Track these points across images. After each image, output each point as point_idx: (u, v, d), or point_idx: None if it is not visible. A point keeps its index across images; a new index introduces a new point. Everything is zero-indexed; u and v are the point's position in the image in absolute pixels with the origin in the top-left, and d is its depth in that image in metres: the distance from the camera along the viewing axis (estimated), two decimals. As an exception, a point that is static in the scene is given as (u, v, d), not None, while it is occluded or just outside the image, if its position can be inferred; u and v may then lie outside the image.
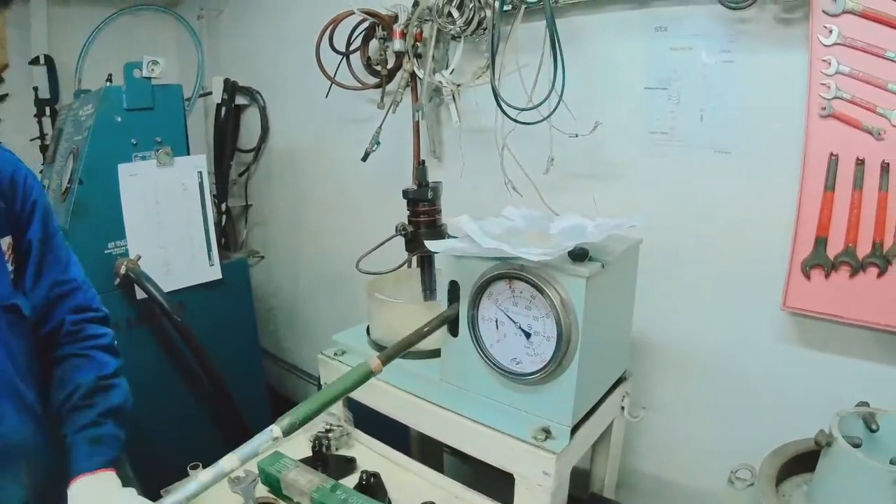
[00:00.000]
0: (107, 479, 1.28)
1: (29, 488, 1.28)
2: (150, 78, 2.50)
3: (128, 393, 1.43)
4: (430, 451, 2.11)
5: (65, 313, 1.39)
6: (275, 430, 1.10)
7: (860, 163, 1.57)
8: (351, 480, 1.56)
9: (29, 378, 1.27)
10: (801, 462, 1.46)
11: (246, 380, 2.94)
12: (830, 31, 1.55)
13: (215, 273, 2.79)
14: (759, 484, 1.40)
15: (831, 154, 1.60)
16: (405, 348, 1.38)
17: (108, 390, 1.38)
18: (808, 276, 1.67)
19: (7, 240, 1.23)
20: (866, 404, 1.36)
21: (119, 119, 2.49)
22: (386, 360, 1.28)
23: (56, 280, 1.38)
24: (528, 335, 1.40)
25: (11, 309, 1.21)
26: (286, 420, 1.12)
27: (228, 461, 1.08)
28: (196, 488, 1.08)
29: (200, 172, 2.68)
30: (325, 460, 1.65)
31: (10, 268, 1.23)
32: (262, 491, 1.55)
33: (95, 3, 3.58)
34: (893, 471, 1.17)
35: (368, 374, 1.24)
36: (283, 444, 1.69)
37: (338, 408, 1.84)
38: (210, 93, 3.53)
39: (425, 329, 1.43)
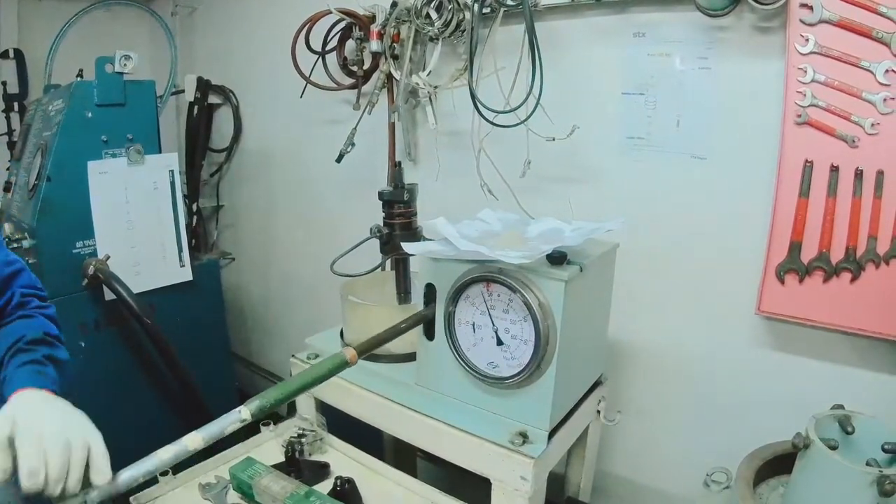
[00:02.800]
0: (52, 398, 1.18)
1: None
2: (122, 73, 2.45)
3: (70, 362, 1.40)
4: (404, 456, 2.10)
5: (15, 288, 1.42)
6: (243, 411, 1.07)
7: (834, 170, 1.59)
8: (325, 486, 1.54)
9: None
10: (778, 465, 1.47)
11: (216, 383, 2.90)
12: (807, 40, 1.56)
13: (186, 274, 2.74)
14: (737, 486, 1.41)
15: (806, 161, 1.62)
16: (381, 343, 1.37)
17: (53, 345, 1.36)
18: (782, 281, 1.69)
19: None
20: (842, 407, 1.37)
21: (89, 115, 2.43)
22: (361, 353, 1.26)
23: (4, 260, 1.42)
24: (500, 342, 1.40)
25: None
26: (255, 402, 1.08)
27: (192, 439, 1.04)
28: (155, 464, 1.03)
29: (172, 171, 2.64)
30: (299, 466, 1.62)
31: None
32: (234, 498, 1.52)
33: (67, -3, 3.53)
34: (869, 472, 1.18)
35: (343, 364, 1.22)
36: (253, 450, 1.69)
37: (311, 412, 1.82)
38: (182, 91, 3.49)
39: (402, 325, 1.42)
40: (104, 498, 0.89)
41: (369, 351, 1.30)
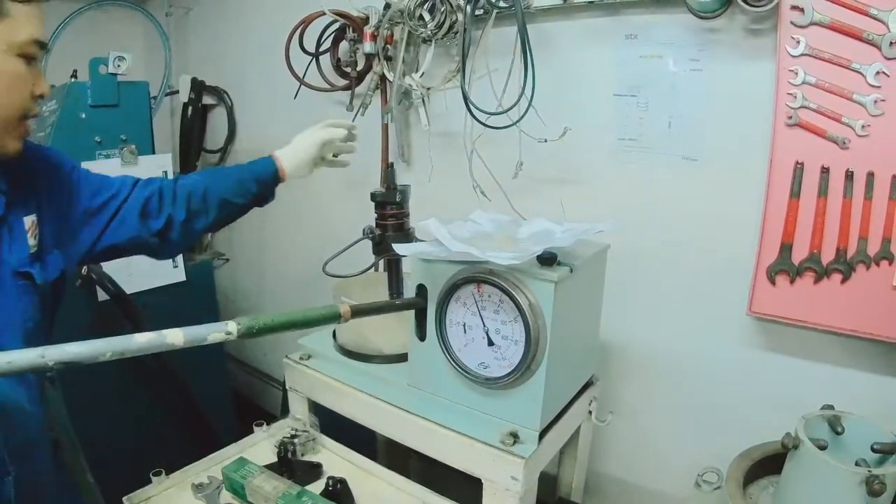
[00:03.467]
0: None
1: (8, 452, 1.25)
2: (116, 74, 2.45)
3: None
4: (396, 457, 2.10)
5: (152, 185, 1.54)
6: (231, 325, 1.04)
7: (825, 171, 1.59)
8: (317, 486, 1.55)
9: (20, 341, 1.24)
10: (768, 465, 1.48)
11: (210, 384, 2.90)
12: (798, 42, 1.57)
13: (179, 275, 2.74)
14: (727, 486, 1.41)
15: (797, 162, 1.62)
16: (375, 311, 1.37)
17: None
18: (773, 282, 1.70)
19: (31, 218, 1.27)
20: (831, 407, 1.38)
21: (83, 116, 2.43)
22: (355, 313, 1.25)
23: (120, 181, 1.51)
24: (491, 343, 1.40)
25: (24, 276, 1.24)
26: (245, 321, 1.06)
27: (173, 333, 0.98)
28: (129, 345, 0.93)
29: (165, 172, 2.63)
30: (291, 466, 1.63)
31: (31, 242, 1.26)
32: (226, 498, 1.53)
33: (61, -3, 3.52)
34: (858, 472, 1.19)
35: (336, 316, 1.21)
36: (246, 450, 1.69)
37: (304, 413, 1.82)
38: (177, 91, 3.48)
39: (397, 303, 1.45)
40: (62, 360, 0.85)
41: (362, 314, 1.29)
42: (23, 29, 1.10)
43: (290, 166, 1.65)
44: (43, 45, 1.16)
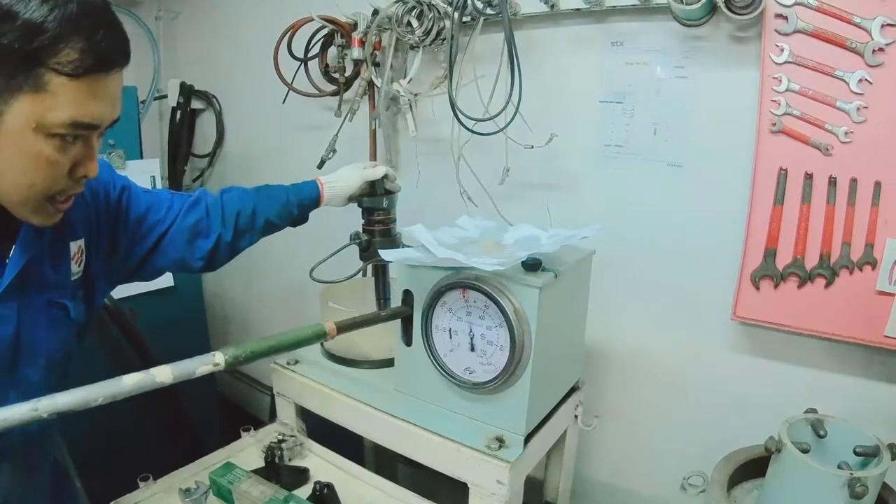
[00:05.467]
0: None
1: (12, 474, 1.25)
2: (103, 80, 2.44)
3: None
4: (384, 461, 2.10)
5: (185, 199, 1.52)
6: (217, 356, 1.03)
7: (808, 177, 1.61)
8: (304, 491, 1.54)
9: (46, 370, 1.22)
10: (752, 468, 1.50)
11: (198, 389, 2.88)
12: (782, 50, 1.58)
13: (167, 280, 2.74)
14: (711, 490, 1.42)
15: (781, 168, 1.64)
16: (361, 324, 1.37)
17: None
18: (757, 287, 1.71)
19: (78, 243, 1.22)
20: (814, 411, 1.40)
21: (71, 121, 2.42)
22: (340, 329, 1.26)
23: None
24: (473, 348, 1.41)
25: (59, 307, 1.19)
26: (231, 351, 1.05)
27: (161, 371, 0.96)
28: (119, 388, 0.92)
29: (154, 177, 2.63)
30: (278, 471, 1.63)
31: (74, 269, 1.21)
32: (214, 503, 1.52)
33: (51, 1, 3.48)
34: (840, 475, 1.20)
35: (322, 335, 1.22)
36: (233, 455, 1.69)
37: (291, 418, 1.82)
38: (165, 96, 3.47)
39: (382, 314, 1.44)
40: (55, 410, 0.84)
41: (348, 329, 1.29)
42: (64, 109, 0.94)
43: (329, 194, 1.69)
44: (93, 127, 1.01)
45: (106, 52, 0.95)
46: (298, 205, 1.66)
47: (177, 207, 1.47)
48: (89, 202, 1.26)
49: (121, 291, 2.46)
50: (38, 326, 1.17)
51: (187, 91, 3.38)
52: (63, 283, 1.20)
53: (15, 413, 0.82)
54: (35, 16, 0.87)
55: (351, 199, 1.73)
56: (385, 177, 1.72)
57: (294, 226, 1.73)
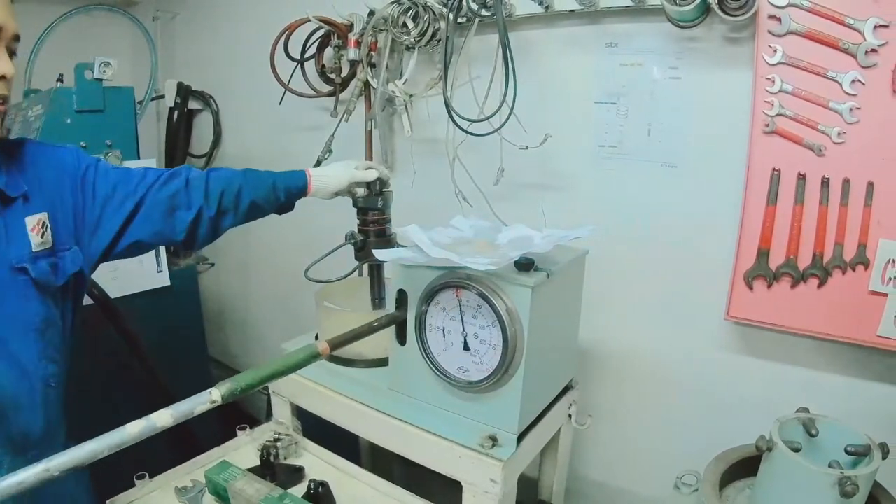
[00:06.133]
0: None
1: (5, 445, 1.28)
2: (101, 80, 2.45)
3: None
4: (379, 460, 2.11)
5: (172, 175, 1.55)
6: (214, 392, 1.05)
7: (801, 178, 1.62)
8: (299, 490, 1.55)
9: (28, 339, 1.28)
10: (744, 467, 1.50)
11: (194, 388, 2.83)
12: (775, 51, 1.59)
13: (163, 280, 2.74)
14: (703, 489, 1.42)
15: (774, 169, 1.65)
16: (353, 339, 1.37)
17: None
18: (750, 287, 1.72)
19: (37, 217, 1.29)
20: (806, 410, 1.40)
21: (69, 121, 2.43)
22: (333, 347, 1.26)
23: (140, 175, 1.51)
24: (467, 347, 1.41)
25: (21, 271, 1.26)
26: (227, 385, 1.07)
27: (160, 416, 1.00)
28: (122, 438, 0.97)
29: (151, 176, 2.63)
30: (274, 470, 1.63)
31: (37, 240, 1.29)
32: (209, 501, 1.53)
33: (48, 1, 3.50)
34: (831, 474, 1.21)
35: (315, 356, 1.22)
36: (229, 454, 1.70)
37: (287, 417, 1.83)
38: (163, 96, 3.48)
39: (374, 324, 1.43)
40: (66, 468, 0.88)
41: (341, 346, 1.30)
42: None
43: (316, 186, 1.71)
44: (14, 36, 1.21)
45: None
46: (285, 190, 1.69)
47: (150, 179, 1.50)
48: (53, 180, 1.35)
49: (117, 290, 2.48)
50: (8, 296, 1.24)
51: (184, 91, 3.39)
52: (22, 254, 1.26)
53: (31, 475, 0.86)
54: None
55: (338, 193, 1.74)
56: (378, 179, 1.73)
57: (279, 213, 1.75)
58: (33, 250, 1.27)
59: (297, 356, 1.21)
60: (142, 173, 1.50)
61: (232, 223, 1.66)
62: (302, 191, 1.71)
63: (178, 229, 1.53)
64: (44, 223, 1.30)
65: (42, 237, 1.30)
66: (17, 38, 1.28)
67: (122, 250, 1.47)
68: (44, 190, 1.32)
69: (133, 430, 0.96)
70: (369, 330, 1.41)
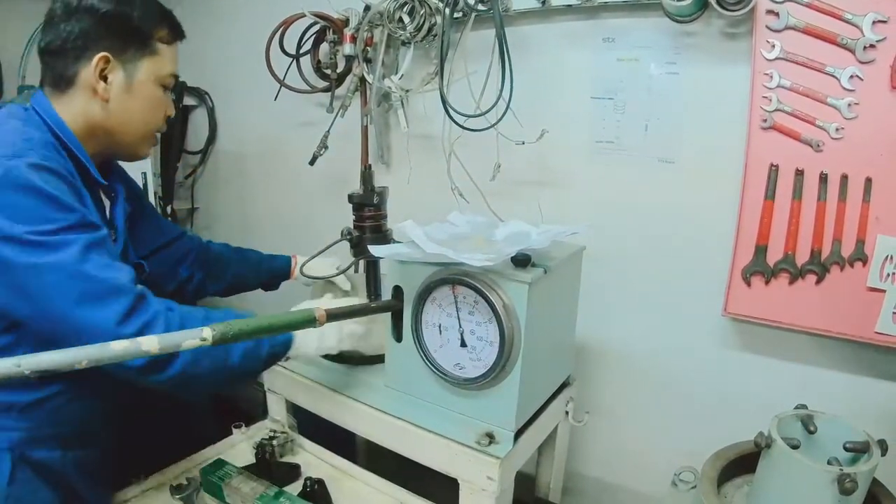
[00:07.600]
0: None
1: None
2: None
3: None
4: (375, 457, 2.10)
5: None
6: (205, 330, 1.02)
7: (799, 173, 1.61)
8: (295, 488, 1.55)
9: None
10: (742, 464, 1.49)
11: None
12: (773, 46, 1.59)
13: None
14: (701, 486, 1.42)
15: (772, 165, 1.64)
16: (351, 314, 1.37)
17: None
18: (748, 283, 1.71)
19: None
20: (804, 406, 1.39)
21: (64, 119, 2.41)
22: (330, 317, 1.24)
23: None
24: (463, 344, 1.41)
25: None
26: (220, 327, 1.05)
27: (148, 340, 0.94)
28: (104, 353, 0.90)
29: (145, 173, 2.62)
30: (269, 467, 1.63)
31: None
32: (205, 499, 1.53)
33: (43, -3, 3.47)
34: (831, 471, 1.20)
35: (311, 320, 1.21)
36: (224, 452, 1.69)
37: (282, 414, 1.82)
38: (158, 92, 3.45)
39: (372, 306, 1.47)
40: (39, 369, 0.83)
41: (338, 318, 1.28)
42: (167, 65, 1.42)
43: (299, 272, 1.88)
44: (176, 78, 1.48)
45: (179, 28, 1.50)
46: (269, 271, 1.95)
47: (178, 232, 1.80)
48: (130, 181, 1.62)
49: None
50: None
51: (179, 87, 3.37)
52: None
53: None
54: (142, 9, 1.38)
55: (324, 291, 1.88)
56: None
57: (266, 289, 2.00)
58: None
59: (294, 315, 1.20)
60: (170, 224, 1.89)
61: (216, 291, 1.92)
62: (286, 274, 1.98)
63: (173, 279, 1.80)
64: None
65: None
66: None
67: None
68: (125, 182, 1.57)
69: (117, 347, 0.91)
70: (367, 309, 1.42)
